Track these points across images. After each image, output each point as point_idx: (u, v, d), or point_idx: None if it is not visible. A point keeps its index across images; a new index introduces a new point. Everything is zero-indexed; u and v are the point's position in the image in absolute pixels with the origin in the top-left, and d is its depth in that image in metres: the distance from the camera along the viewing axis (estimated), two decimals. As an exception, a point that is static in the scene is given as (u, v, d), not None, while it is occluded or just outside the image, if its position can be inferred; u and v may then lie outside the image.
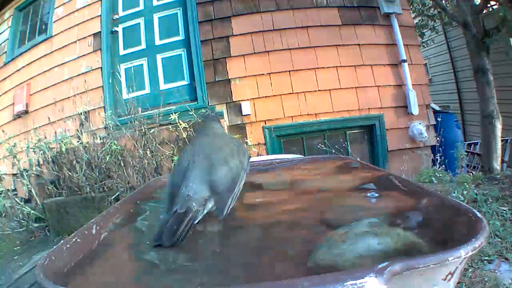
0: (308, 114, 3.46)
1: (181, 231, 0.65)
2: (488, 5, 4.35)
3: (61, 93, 3.80)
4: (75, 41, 3.88)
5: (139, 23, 3.80)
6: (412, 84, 3.54)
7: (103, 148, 3.00)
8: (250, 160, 0.96)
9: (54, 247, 0.61)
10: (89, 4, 3.88)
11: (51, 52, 4.01)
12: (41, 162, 3.21)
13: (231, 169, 0.80)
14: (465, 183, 2.60)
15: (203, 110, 3.13)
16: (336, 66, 3.52)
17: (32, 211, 2.92)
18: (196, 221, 0.70)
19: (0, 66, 4.47)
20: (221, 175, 0.77)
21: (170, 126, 3.16)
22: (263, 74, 3.47)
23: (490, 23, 4.01)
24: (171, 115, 3.07)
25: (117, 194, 2.81)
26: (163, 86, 3.67)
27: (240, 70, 3.47)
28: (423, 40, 6.84)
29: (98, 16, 3.81)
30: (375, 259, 0.52)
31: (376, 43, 3.62)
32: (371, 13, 3.66)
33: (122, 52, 3.80)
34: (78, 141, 3.13)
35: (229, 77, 3.46)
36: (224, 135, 0.96)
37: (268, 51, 3.50)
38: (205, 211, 0.74)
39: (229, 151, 0.84)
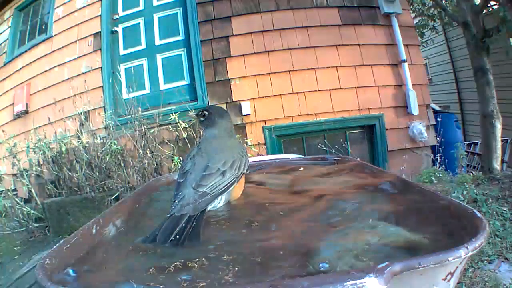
0: (308, 114, 3.46)
1: (175, 233, 0.66)
2: (488, 5, 4.34)
3: (61, 93, 3.80)
4: (75, 41, 3.87)
5: (139, 23, 3.80)
6: (412, 84, 3.54)
7: (103, 148, 3.00)
8: (250, 160, 0.96)
9: (54, 247, 0.61)
10: (89, 4, 3.88)
11: (51, 52, 4.01)
12: (41, 162, 3.21)
13: (222, 177, 0.82)
14: (465, 183, 2.60)
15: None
16: (336, 66, 3.52)
17: (32, 211, 2.92)
18: (192, 223, 0.70)
19: (0, 66, 4.47)
20: (209, 183, 0.79)
21: (170, 126, 3.16)
22: (263, 74, 3.47)
23: (490, 23, 4.00)
24: (171, 115, 3.07)
25: (117, 194, 2.81)
26: (163, 86, 3.67)
27: (240, 70, 3.47)
28: (423, 40, 6.83)
29: (98, 16, 3.81)
30: (375, 259, 0.52)
31: (376, 43, 3.62)
32: (371, 13, 3.66)
33: (122, 52, 3.80)
34: (78, 141, 3.13)
35: (229, 77, 3.46)
36: (229, 138, 0.96)
37: (268, 51, 3.50)
38: (203, 214, 0.75)
39: (229, 157, 0.86)
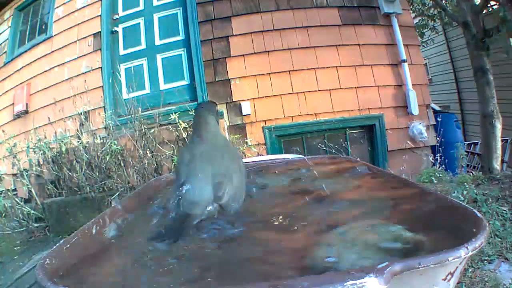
0: (308, 114, 3.46)
1: (182, 230, 0.66)
2: (488, 5, 4.34)
3: (61, 93, 3.79)
4: (75, 41, 3.87)
5: (139, 23, 3.80)
6: (412, 84, 3.54)
7: (103, 148, 3.00)
8: (251, 160, 0.97)
9: (54, 247, 0.61)
10: (89, 4, 3.88)
11: (51, 52, 4.01)
12: (41, 162, 3.21)
13: (235, 183, 0.83)
14: (465, 183, 2.59)
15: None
16: (336, 66, 3.52)
17: (32, 211, 2.92)
18: (195, 221, 0.71)
19: (0, 66, 4.46)
20: (226, 189, 0.80)
21: (170, 126, 3.15)
22: (263, 74, 3.47)
23: (490, 23, 4.00)
24: (171, 115, 3.06)
25: (117, 194, 2.81)
26: (163, 86, 3.67)
27: (240, 70, 3.47)
28: (423, 40, 6.82)
29: (98, 16, 3.80)
30: (375, 259, 0.52)
31: (376, 43, 3.62)
32: (371, 13, 3.66)
33: (122, 52, 3.80)
34: (78, 141, 3.13)
35: (229, 77, 3.46)
36: (219, 138, 0.96)
37: (268, 51, 3.50)
38: (206, 213, 0.75)
39: (230, 162, 0.86)
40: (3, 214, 2.91)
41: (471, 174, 3.13)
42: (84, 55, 3.80)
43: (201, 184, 0.79)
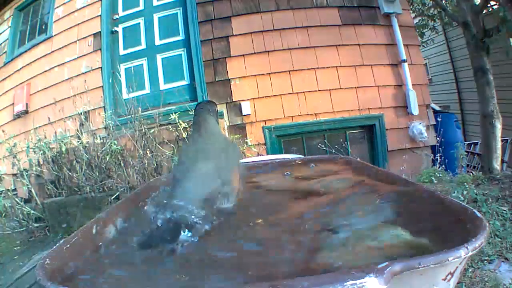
0: (308, 114, 3.46)
1: (172, 235, 0.67)
2: (488, 5, 4.34)
3: (61, 93, 3.79)
4: (75, 41, 3.87)
5: (139, 23, 3.80)
6: (412, 84, 3.54)
7: (103, 148, 3.00)
8: (251, 161, 0.97)
9: (54, 247, 0.61)
10: (89, 4, 3.88)
11: (51, 52, 4.01)
12: (41, 162, 3.21)
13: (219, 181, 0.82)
14: (465, 183, 2.59)
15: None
16: (336, 66, 3.52)
17: (32, 211, 2.92)
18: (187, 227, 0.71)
19: (0, 66, 4.46)
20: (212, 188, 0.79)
21: (170, 126, 3.16)
22: (263, 74, 3.47)
23: (490, 23, 4.00)
24: (171, 115, 3.07)
25: (117, 194, 2.81)
26: (163, 86, 3.67)
27: (240, 70, 3.47)
28: (423, 40, 6.82)
29: (98, 16, 3.80)
30: (375, 259, 0.52)
31: (376, 43, 3.62)
32: (371, 13, 3.66)
33: (122, 52, 3.80)
34: (78, 141, 3.13)
35: (229, 77, 3.46)
36: (218, 136, 0.96)
37: (268, 51, 3.50)
38: (199, 217, 0.75)
39: (222, 160, 0.86)
40: (3, 214, 2.91)
41: (471, 174, 3.13)
42: (84, 55, 3.80)
43: (193, 187, 0.79)
